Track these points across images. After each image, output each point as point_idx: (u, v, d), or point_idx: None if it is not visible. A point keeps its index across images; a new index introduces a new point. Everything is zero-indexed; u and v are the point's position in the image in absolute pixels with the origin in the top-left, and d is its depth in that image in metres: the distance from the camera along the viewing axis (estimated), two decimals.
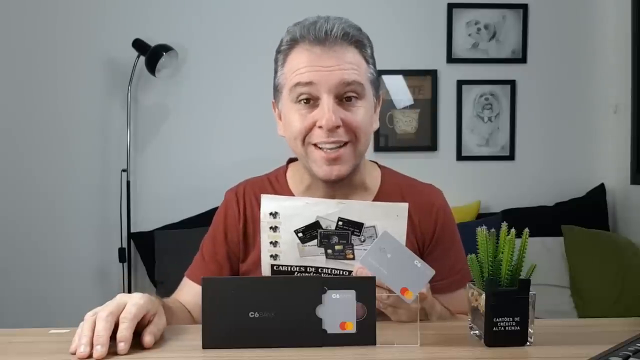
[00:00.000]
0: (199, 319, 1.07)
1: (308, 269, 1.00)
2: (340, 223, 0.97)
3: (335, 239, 0.97)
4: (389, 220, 0.96)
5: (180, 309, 1.11)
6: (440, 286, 1.10)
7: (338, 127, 1.02)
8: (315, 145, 1.05)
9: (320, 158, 1.05)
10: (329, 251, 0.98)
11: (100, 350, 0.77)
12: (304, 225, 0.98)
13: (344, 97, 1.04)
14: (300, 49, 1.05)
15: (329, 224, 0.97)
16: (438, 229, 1.15)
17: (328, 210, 0.97)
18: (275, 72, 1.11)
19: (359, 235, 0.97)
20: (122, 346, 0.79)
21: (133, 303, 0.83)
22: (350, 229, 0.97)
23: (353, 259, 0.97)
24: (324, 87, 1.02)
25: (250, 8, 2.89)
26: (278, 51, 1.10)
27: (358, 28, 1.08)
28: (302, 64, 1.04)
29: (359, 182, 1.14)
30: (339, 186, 1.11)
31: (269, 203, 1.00)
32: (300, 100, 1.05)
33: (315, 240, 0.98)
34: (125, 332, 0.79)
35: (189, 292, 1.14)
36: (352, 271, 0.96)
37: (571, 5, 2.96)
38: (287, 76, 1.07)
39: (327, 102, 1.02)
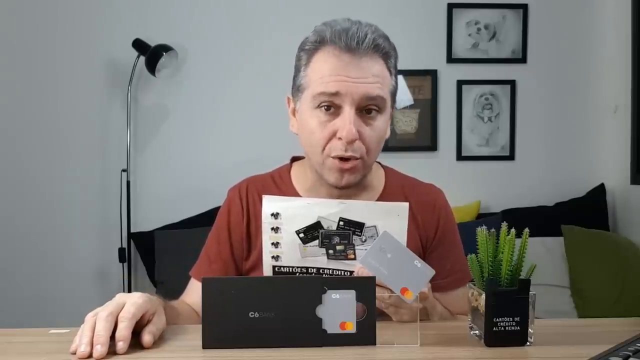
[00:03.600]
0: None
1: (309, 269, 1.00)
2: (341, 223, 0.97)
3: (336, 239, 0.97)
4: (390, 220, 0.96)
5: (187, 310, 1.11)
6: (442, 284, 1.11)
7: (356, 140, 1.02)
8: (332, 157, 1.05)
9: (334, 167, 1.05)
10: (330, 251, 0.98)
11: (100, 349, 0.77)
12: (305, 225, 0.97)
13: (365, 109, 1.04)
14: (328, 52, 1.03)
15: (330, 224, 0.97)
16: (440, 227, 1.16)
17: (329, 211, 0.97)
18: (298, 70, 1.10)
19: (360, 236, 0.97)
20: (120, 345, 0.79)
21: (132, 302, 0.83)
22: (351, 229, 0.97)
23: (354, 259, 0.97)
24: (348, 98, 1.02)
25: (250, 8, 2.88)
26: (302, 49, 1.08)
27: (387, 37, 1.07)
28: (328, 71, 1.02)
29: (365, 183, 1.15)
30: (346, 188, 1.11)
31: (270, 204, 1.00)
32: (321, 107, 1.04)
33: (317, 241, 0.98)
34: (123, 332, 0.80)
35: (195, 292, 1.14)
36: (353, 272, 0.96)
37: (571, 5, 2.96)
38: (311, 79, 1.05)
39: (348, 113, 1.02)
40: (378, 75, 1.04)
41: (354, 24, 1.04)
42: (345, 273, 0.98)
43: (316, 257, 0.98)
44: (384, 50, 1.05)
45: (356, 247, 0.97)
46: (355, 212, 0.97)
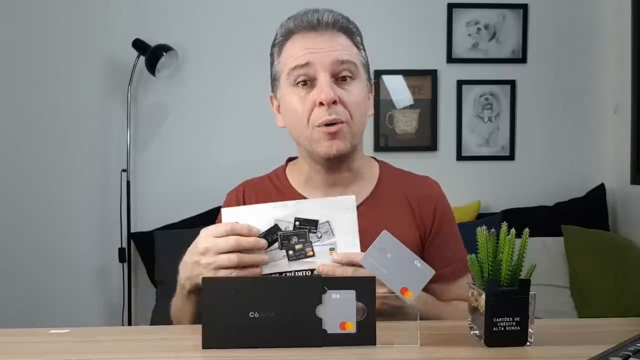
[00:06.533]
0: None
1: (272, 275, 0.99)
2: (297, 223, 0.98)
3: (294, 239, 0.97)
4: (340, 213, 0.97)
5: None
6: (445, 273, 1.13)
7: (335, 102, 1.06)
8: (318, 126, 1.08)
9: (321, 135, 1.07)
10: (290, 252, 0.98)
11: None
12: (264, 230, 0.97)
13: (339, 76, 1.08)
14: (295, 37, 1.10)
15: (287, 225, 0.97)
16: (437, 217, 1.17)
17: (285, 212, 0.98)
18: (272, 64, 1.15)
19: (315, 232, 0.97)
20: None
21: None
22: (306, 227, 0.97)
23: (313, 255, 0.97)
24: (320, 67, 1.07)
25: (250, 8, 2.88)
26: (273, 45, 1.15)
27: (347, 17, 1.13)
28: (298, 49, 1.09)
29: (357, 170, 1.17)
30: (340, 172, 1.14)
31: (228, 215, 0.99)
32: (298, 83, 1.09)
33: (277, 244, 0.98)
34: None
35: None
36: (314, 270, 0.96)
37: (571, 5, 2.95)
38: (283, 63, 1.11)
39: (323, 79, 1.06)
40: (344, 45, 1.10)
41: (312, 9, 1.11)
42: (307, 273, 0.98)
43: (277, 262, 0.98)
44: (344, 26, 1.11)
45: (313, 244, 0.97)
46: (308, 210, 0.98)
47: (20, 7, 2.83)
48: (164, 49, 2.69)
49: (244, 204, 1.17)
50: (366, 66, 1.15)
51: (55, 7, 2.84)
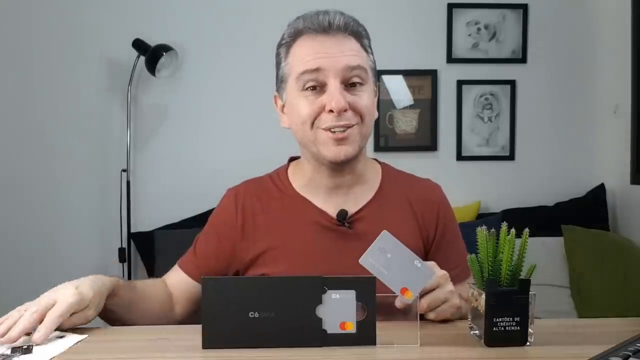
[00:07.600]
0: (178, 302, 1.13)
1: None
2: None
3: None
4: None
5: (156, 290, 1.14)
6: (453, 275, 1.12)
7: (346, 110, 1.05)
8: (323, 129, 1.06)
9: (328, 139, 1.06)
10: None
11: (10, 335, 0.82)
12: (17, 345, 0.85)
13: (349, 82, 1.07)
14: (304, 38, 1.08)
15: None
16: (441, 221, 1.17)
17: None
18: (278, 64, 1.13)
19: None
20: (36, 335, 0.82)
21: (62, 301, 0.88)
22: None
23: None
24: (331, 73, 1.05)
25: (250, 8, 2.89)
26: (280, 45, 1.13)
27: (357, 20, 1.11)
28: (307, 52, 1.06)
29: (361, 173, 1.16)
30: (343, 174, 1.13)
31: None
32: (307, 88, 1.07)
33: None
34: (47, 325, 0.84)
35: (173, 277, 1.19)
36: None
37: (571, 5, 2.96)
38: (292, 65, 1.09)
39: (334, 86, 1.05)
40: (354, 49, 1.08)
41: (322, 11, 1.09)
42: None
43: None
44: (355, 29, 1.09)
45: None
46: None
47: (20, 8, 2.83)
48: (164, 49, 2.69)
49: (243, 199, 1.17)
50: (374, 70, 1.13)
51: (55, 7, 2.84)
